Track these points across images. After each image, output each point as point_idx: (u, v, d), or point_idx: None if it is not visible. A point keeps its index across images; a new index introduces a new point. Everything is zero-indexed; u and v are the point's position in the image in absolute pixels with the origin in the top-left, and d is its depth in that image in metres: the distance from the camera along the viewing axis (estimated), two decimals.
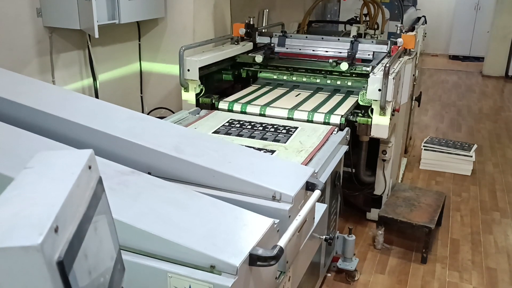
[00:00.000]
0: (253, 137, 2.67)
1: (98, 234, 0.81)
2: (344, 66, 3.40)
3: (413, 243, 3.33)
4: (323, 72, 3.61)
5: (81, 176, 0.79)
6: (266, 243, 1.36)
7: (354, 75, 3.52)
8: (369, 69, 3.32)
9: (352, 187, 3.38)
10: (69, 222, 0.69)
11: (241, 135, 2.70)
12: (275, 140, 2.62)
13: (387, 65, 2.83)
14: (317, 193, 1.66)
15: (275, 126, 2.85)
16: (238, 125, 2.86)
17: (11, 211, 0.66)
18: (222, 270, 1.24)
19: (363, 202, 3.61)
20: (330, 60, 3.46)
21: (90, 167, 0.84)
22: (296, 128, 2.82)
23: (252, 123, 2.90)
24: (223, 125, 2.86)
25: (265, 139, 2.65)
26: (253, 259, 1.28)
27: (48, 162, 0.82)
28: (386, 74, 2.81)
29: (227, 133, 2.73)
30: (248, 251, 1.27)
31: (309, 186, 1.70)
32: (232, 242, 1.30)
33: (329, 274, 2.95)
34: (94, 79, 3.50)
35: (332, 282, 2.92)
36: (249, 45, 3.85)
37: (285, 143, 2.58)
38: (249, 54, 3.73)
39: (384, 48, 3.59)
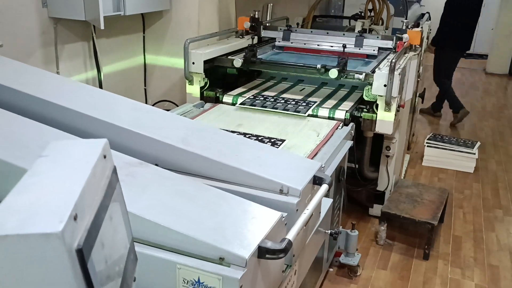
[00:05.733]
0: None
1: (113, 223, 0.81)
2: (333, 73, 2.98)
3: (416, 239, 3.34)
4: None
5: (97, 165, 0.79)
6: (274, 236, 1.36)
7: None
8: (362, 76, 2.98)
9: (355, 183, 3.38)
10: (86, 211, 0.69)
11: None
12: None
13: (393, 60, 2.82)
14: (324, 187, 1.67)
15: (259, 138, 2.59)
16: None
17: (30, 199, 0.66)
18: (231, 262, 1.24)
19: (366, 198, 3.60)
20: (318, 66, 3.04)
21: (105, 157, 0.84)
22: (283, 141, 2.57)
23: (235, 133, 2.60)
24: None
25: None
26: (262, 252, 1.28)
27: (63, 151, 0.82)
28: (392, 70, 2.80)
29: None
30: (257, 243, 1.28)
31: (316, 180, 1.70)
32: (241, 235, 1.30)
33: (331, 269, 2.96)
34: (99, 70, 3.49)
35: (335, 277, 2.93)
36: (254, 39, 3.83)
37: None
38: (228, 57, 3.33)
39: (390, 44, 3.56)
